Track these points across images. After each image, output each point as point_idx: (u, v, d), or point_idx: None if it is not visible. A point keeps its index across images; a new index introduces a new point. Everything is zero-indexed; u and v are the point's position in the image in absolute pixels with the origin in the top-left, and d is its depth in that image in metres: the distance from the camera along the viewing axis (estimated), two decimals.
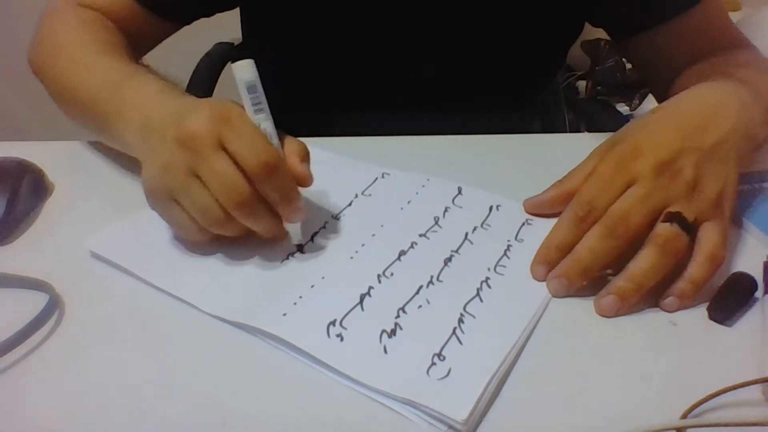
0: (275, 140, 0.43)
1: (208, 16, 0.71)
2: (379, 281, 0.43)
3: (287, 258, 0.46)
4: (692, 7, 0.62)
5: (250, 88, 0.42)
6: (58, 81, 0.58)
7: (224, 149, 0.40)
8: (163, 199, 0.43)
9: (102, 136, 0.56)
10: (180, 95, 0.48)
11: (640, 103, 1.60)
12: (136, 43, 0.65)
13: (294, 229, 0.45)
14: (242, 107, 0.43)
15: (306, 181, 0.44)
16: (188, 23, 0.70)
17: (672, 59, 0.65)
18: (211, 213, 0.41)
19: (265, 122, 0.43)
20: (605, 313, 0.41)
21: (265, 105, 0.43)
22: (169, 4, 0.66)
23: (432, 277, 0.44)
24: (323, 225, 0.49)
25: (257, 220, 0.43)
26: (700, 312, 0.42)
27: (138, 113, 0.47)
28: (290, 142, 0.45)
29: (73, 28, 0.60)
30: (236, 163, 0.40)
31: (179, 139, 0.41)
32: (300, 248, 0.46)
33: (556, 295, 0.43)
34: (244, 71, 0.42)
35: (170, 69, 0.73)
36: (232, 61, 0.43)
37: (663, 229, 0.42)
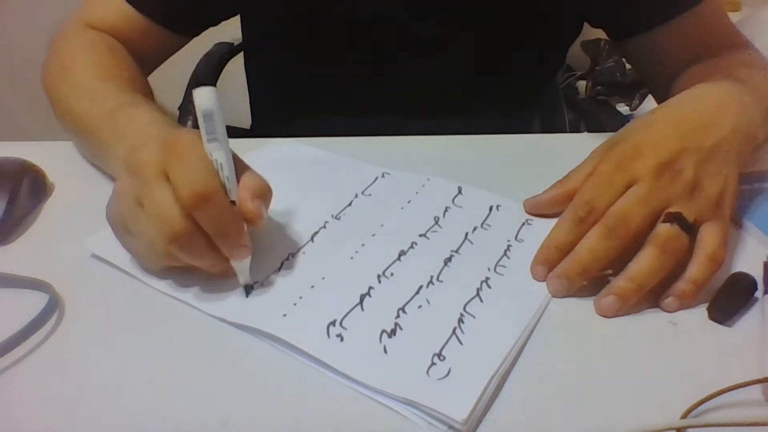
0: (227, 171, 0.40)
1: (215, 24, 0.72)
2: (379, 281, 0.43)
3: (287, 258, 0.46)
4: (692, 7, 0.62)
5: (206, 117, 0.40)
6: (61, 104, 0.59)
7: (168, 178, 0.39)
8: (118, 226, 0.42)
9: (96, 161, 0.57)
10: (168, 127, 0.47)
11: (640, 103, 1.60)
12: (146, 59, 0.66)
13: (240, 268, 0.42)
14: (198, 137, 0.40)
15: (254, 219, 0.40)
16: (197, 35, 0.71)
17: (671, 60, 0.65)
18: (154, 245, 0.40)
19: (217, 152, 0.40)
20: (605, 313, 0.41)
21: (221, 134, 0.40)
22: (179, 17, 0.67)
23: (432, 277, 0.44)
24: (323, 225, 0.49)
25: (194, 255, 0.40)
26: (700, 312, 0.42)
27: (126, 143, 0.46)
28: (249, 177, 0.42)
29: (80, 51, 0.61)
30: (177, 190, 0.38)
31: (130, 167, 0.40)
32: (247, 290, 0.42)
33: (556, 295, 0.43)
34: (202, 98, 0.40)
35: (170, 69, 0.74)
36: (195, 86, 0.41)
37: (663, 229, 0.42)
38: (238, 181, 0.41)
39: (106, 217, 0.43)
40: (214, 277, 0.42)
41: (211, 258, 0.40)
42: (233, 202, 0.40)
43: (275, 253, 0.46)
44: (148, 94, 0.61)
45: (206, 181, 0.38)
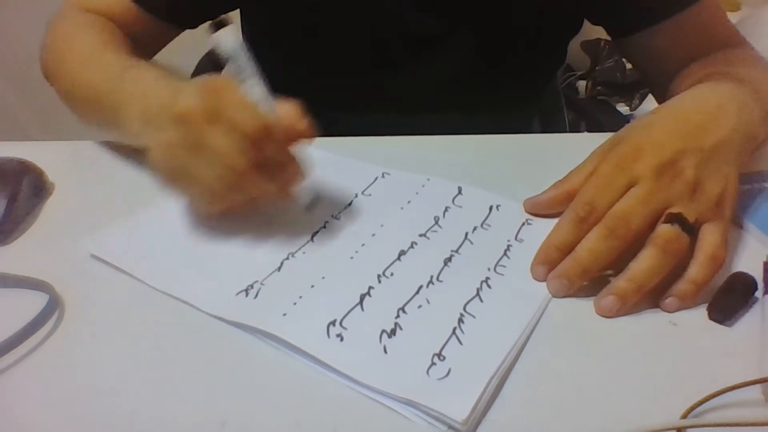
0: (268, 105, 0.43)
1: (214, 18, 0.71)
2: (379, 281, 0.43)
3: (287, 258, 0.46)
4: (690, 5, 0.62)
5: (232, 58, 0.42)
6: (67, 81, 0.60)
7: (219, 121, 0.41)
8: (173, 177, 0.44)
9: (110, 130, 0.56)
10: (176, 81, 0.48)
11: (640, 103, 1.60)
12: (140, 45, 0.66)
13: (300, 190, 0.46)
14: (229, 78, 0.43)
15: (305, 134, 0.44)
16: (194, 27, 0.71)
17: (670, 58, 0.65)
18: (219, 183, 0.42)
19: (254, 88, 0.43)
20: (605, 314, 0.41)
21: (251, 71, 0.43)
22: (176, 9, 0.67)
23: (432, 276, 0.44)
24: (323, 225, 0.49)
25: (260, 186, 0.43)
26: (700, 312, 0.42)
27: (138, 102, 0.48)
28: (285, 104, 0.44)
29: (78, 30, 0.62)
30: (232, 132, 0.41)
31: (176, 118, 0.42)
32: (309, 209, 0.46)
33: (556, 295, 0.43)
34: (224, 41, 0.41)
35: (170, 69, 0.74)
36: (213, 30, 0.42)
37: (664, 229, 0.42)
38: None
39: (156, 173, 0.45)
40: (278, 201, 0.46)
41: (273, 184, 0.44)
42: None
43: (275, 252, 0.46)
44: None
45: (260, 120, 0.41)
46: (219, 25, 0.42)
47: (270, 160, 0.42)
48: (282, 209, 0.51)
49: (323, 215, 0.50)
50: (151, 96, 0.47)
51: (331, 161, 0.57)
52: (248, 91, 0.42)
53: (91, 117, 0.59)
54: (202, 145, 0.41)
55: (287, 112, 0.43)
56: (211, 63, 1.01)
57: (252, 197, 0.45)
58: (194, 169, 0.42)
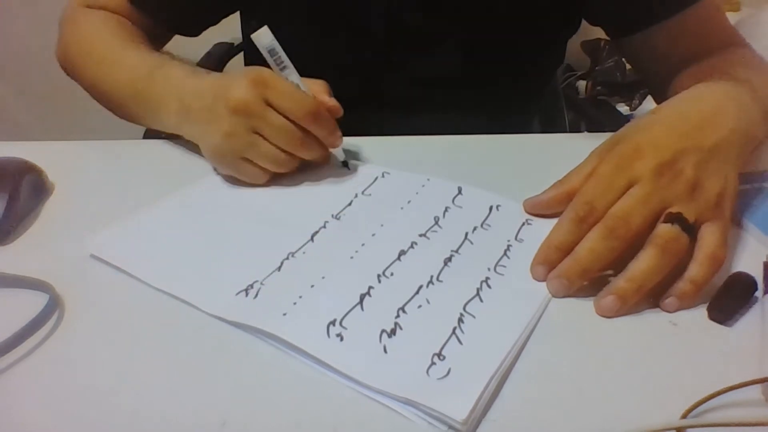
0: (304, 87, 0.52)
1: (214, 24, 0.73)
2: (379, 281, 0.43)
3: (287, 258, 0.46)
4: (689, 6, 0.62)
5: (271, 52, 0.51)
6: (93, 82, 0.64)
7: (271, 106, 0.50)
8: (232, 160, 0.52)
9: (144, 122, 0.62)
10: (204, 74, 0.56)
11: (640, 103, 1.60)
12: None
13: (338, 151, 0.56)
14: (269, 69, 0.51)
15: (338, 111, 0.53)
16: (196, 35, 0.72)
17: (669, 58, 0.65)
18: (278, 157, 0.52)
19: (292, 76, 0.52)
20: (605, 314, 0.41)
21: (287, 61, 0.52)
22: (176, 17, 0.69)
23: (432, 276, 0.44)
24: (323, 225, 0.49)
25: (313, 152, 0.53)
26: (700, 312, 0.42)
27: (173, 98, 0.55)
28: (313, 83, 0.53)
29: (94, 29, 0.66)
30: (284, 115, 0.50)
31: (232, 108, 0.50)
32: (345, 164, 0.56)
33: (556, 295, 0.43)
34: (264, 38, 0.51)
35: None
36: (251, 32, 0.51)
37: (663, 229, 0.42)
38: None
39: (212, 159, 0.54)
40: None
41: (319, 150, 0.54)
42: None
43: (275, 252, 0.46)
44: None
45: (310, 101, 0.51)
46: (255, 27, 0.51)
47: (318, 134, 0.52)
48: (282, 210, 0.51)
49: (323, 215, 0.50)
50: (186, 92, 0.54)
51: (331, 161, 0.57)
52: (288, 77, 0.51)
53: (120, 111, 0.63)
54: (263, 128, 0.50)
55: (318, 92, 0.53)
56: (211, 63, 1.02)
57: (296, 166, 0.54)
58: (256, 149, 0.51)
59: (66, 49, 0.67)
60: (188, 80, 0.56)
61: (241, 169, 0.53)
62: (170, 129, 0.58)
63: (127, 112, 0.62)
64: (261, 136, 0.51)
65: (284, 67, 0.52)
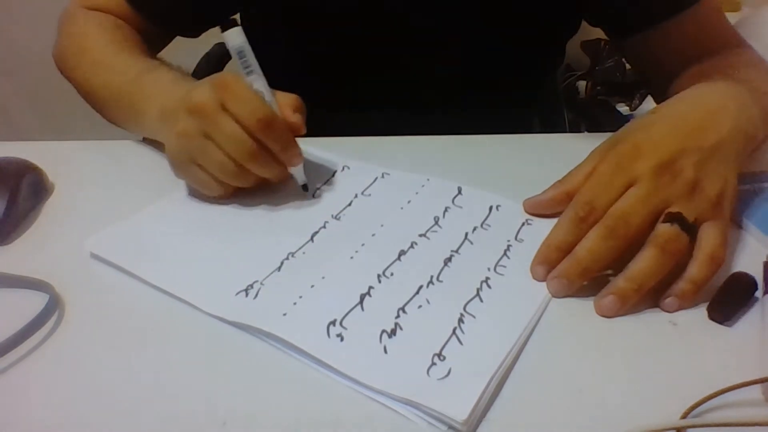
0: (268, 97, 0.49)
1: (214, 26, 0.72)
2: (379, 281, 0.43)
3: (287, 258, 0.46)
4: (689, 7, 0.62)
5: (239, 53, 0.48)
6: (85, 82, 0.64)
7: (227, 111, 0.46)
8: (185, 163, 0.49)
9: (129, 126, 0.61)
10: (190, 82, 0.54)
11: (640, 103, 1.60)
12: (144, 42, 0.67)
13: (297, 172, 0.51)
14: (236, 74, 0.48)
15: (298, 129, 0.49)
16: (196, 36, 0.72)
17: (669, 59, 0.65)
18: (226, 168, 0.48)
19: (257, 82, 0.48)
20: (605, 314, 0.41)
21: (255, 67, 0.49)
22: (176, 18, 0.69)
23: (432, 277, 0.44)
24: (323, 225, 0.49)
25: (265, 167, 0.49)
26: (700, 312, 0.42)
27: (156, 103, 0.53)
28: (283, 96, 0.50)
29: (91, 31, 0.65)
30: (238, 122, 0.46)
31: (188, 109, 0.47)
32: (305, 188, 0.52)
33: (556, 295, 0.43)
34: (233, 38, 0.48)
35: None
36: (222, 29, 0.48)
37: (663, 229, 0.42)
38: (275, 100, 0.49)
39: (169, 161, 0.51)
40: (277, 184, 0.51)
41: (276, 167, 0.49)
42: None
43: (275, 252, 0.46)
44: None
45: (265, 109, 0.47)
46: (228, 25, 0.48)
47: (271, 147, 0.47)
48: (282, 210, 0.51)
49: (323, 215, 0.50)
50: (169, 95, 0.52)
51: (331, 161, 0.57)
52: (253, 84, 0.48)
53: (107, 113, 0.63)
54: (213, 132, 0.47)
55: (285, 104, 0.49)
56: (211, 63, 1.02)
57: (255, 181, 0.50)
58: (206, 154, 0.48)
59: (61, 49, 0.67)
60: (173, 86, 0.54)
61: (194, 175, 0.50)
62: (151, 134, 0.58)
63: (113, 114, 0.62)
64: (213, 140, 0.47)
65: (250, 72, 0.48)
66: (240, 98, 0.47)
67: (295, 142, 0.49)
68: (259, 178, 0.50)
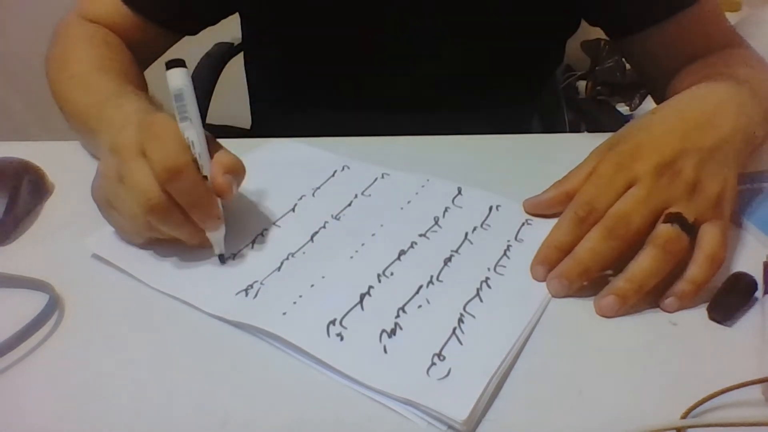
0: (199, 148, 0.43)
1: (214, 24, 0.72)
2: (379, 281, 0.43)
3: (287, 258, 0.46)
4: (688, 6, 0.62)
5: (177, 97, 0.43)
6: (59, 95, 0.62)
7: (145, 156, 0.41)
8: (103, 205, 0.46)
9: (90, 148, 0.59)
10: (152, 114, 0.48)
11: (640, 103, 1.60)
12: (142, 51, 0.68)
13: (214, 238, 0.44)
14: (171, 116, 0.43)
15: (223, 191, 0.43)
16: (195, 33, 0.72)
17: (669, 59, 0.65)
18: (135, 218, 0.42)
19: (189, 130, 0.43)
20: (605, 314, 0.41)
21: (192, 113, 0.43)
22: (175, 17, 0.68)
23: (432, 276, 0.44)
24: (323, 225, 0.49)
25: (172, 226, 0.43)
26: (700, 312, 0.42)
27: (110, 131, 0.48)
28: (222, 154, 0.45)
29: (78, 44, 0.64)
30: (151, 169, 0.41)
31: (110, 148, 0.44)
32: (221, 259, 0.45)
33: (556, 296, 0.43)
34: (173, 79, 0.43)
35: None
36: (167, 67, 0.43)
37: (663, 229, 0.42)
38: (211, 157, 0.44)
39: (92, 196, 0.46)
40: (193, 248, 0.45)
41: (187, 228, 0.43)
42: (205, 178, 0.43)
43: (275, 252, 0.46)
44: (142, 85, 0.63)
45: (178, 157, 0.41)
46: (173, 64, 0.43)
47: (179, 200, 0.42)
48: (282, 210, 0.51)
49: (323, 215, 0.50)
50: (122, 128, 0.46)
51: (330, 161, 0.57)
52: (185, 131, 0.43)
53: (75, 130, 0.60)
54: (125, 177, 0.42)
55: (218, 162, 0.44)
56: (211, 63, 1.02)
57: (169, 237, 0.44)
58: (119, 200, 0.43)
59: (49, 56, 0.66)
60: (132, 116, 0.47)
61: (111, 218, 0.46)
62: None
63: (78, 134, 0.60)
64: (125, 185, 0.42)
65: (185, 118, 0.43)
66: (158, 142, 0.41)
67: (215, 204, 0.43)
68: (170, 232, 0.43)
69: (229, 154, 0.45)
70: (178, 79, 0.43)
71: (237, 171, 0.45)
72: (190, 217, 0.43)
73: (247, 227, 0.49)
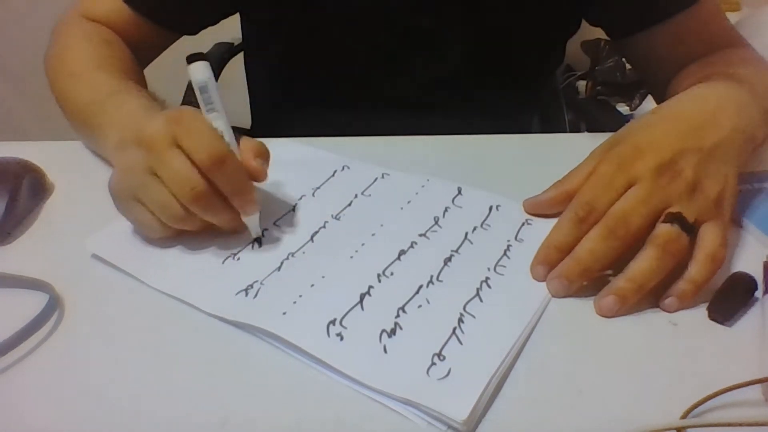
0: (228, 137, 0.45)
1: (214, 24, 0.72)
2: (379, 281, 0.43)
3: (287, 258, 0.46)
4: (689, 7, 0.62)
5: (202, 89, 0.44)
6: (60, 93, 0.62)
7: (179, 147, 0.42)
8: (126, 199, 0.45)
9: (92, 145, 0.59)
10: (156, 110, 0.50)
11: (640, 103, 1.60)
12: (141, 50, 0.68)
13: (251, 222, 0.46)
14: (195, 109, 0.45)
15: (258, 175, 0.45)
16: (194, 33, 0.72)
17: (669, 59, 0.65)
18: (170, 208, 0.43)
19: (218, 121, 0.44)
20: (605, 314, 0.41)
21: (218, 104, 0.45)
22: (175, 16, 0.68)
23: (432, 276, 0.44)
24: (323, 225, 0.49)
25: (213, 213, 0.44)
26: (700, 312, 0.42)
27: (116, 127, 0.50)
28: (247, 140, 0.47)
29: (77, 42, 0.64)
30: (190, 159, 0.42)
31: (137, 141, 0.44)
32: (258, 241, 0.47)
33: (556, 296, 0.43)
34: (197, 73, 0.44)
35: (170, 69, 0.74)
36: (188, 61, 0.44)
37: (663, 229, 0.42)
38: (237, 144, 0.46)
39: (111, 193, 0.46)
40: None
41: (227, 214, 0.45)
42: None
43: (275, 252, 0.46)
44: (141, 82, 0.64)
45: (219, 146, 0.42)
46: (194, 58, 0.44)
47: (223, 189, 0.43)
48: (282, 210, 0.51)
49: (323, 215, 0.50)
50: (129, 123, 0.48)
51: (331, 161, 0.57)
52: (213, 122, 0.44)
53: (75, 128, 0.61)
54: (159, 168, 0.42)
55: (247, 149, 0.46)
56: (211, 63, 1.02)
57: (200, 226, 0.45)
58: (149, 192, 0.43)
59: (48, 55, 0.66)
60: (135, 115, 0.49)
61: (134, 212, 0.45)
62: (107, 158, 0.55)
63: (79, 131, 0.60)
64: (159, 177, 0.43)
65: (211, 110, 0.44)
66: (194, 133, 0.42)
67: (252, 188, 0.45)
68: (205, 223, 0.45)
69: (252, 139, 0.47)
70: (202, 72, 0.44)
71: (265, 154, 0.47)
72: (229, 203, 0.44)
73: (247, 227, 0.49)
